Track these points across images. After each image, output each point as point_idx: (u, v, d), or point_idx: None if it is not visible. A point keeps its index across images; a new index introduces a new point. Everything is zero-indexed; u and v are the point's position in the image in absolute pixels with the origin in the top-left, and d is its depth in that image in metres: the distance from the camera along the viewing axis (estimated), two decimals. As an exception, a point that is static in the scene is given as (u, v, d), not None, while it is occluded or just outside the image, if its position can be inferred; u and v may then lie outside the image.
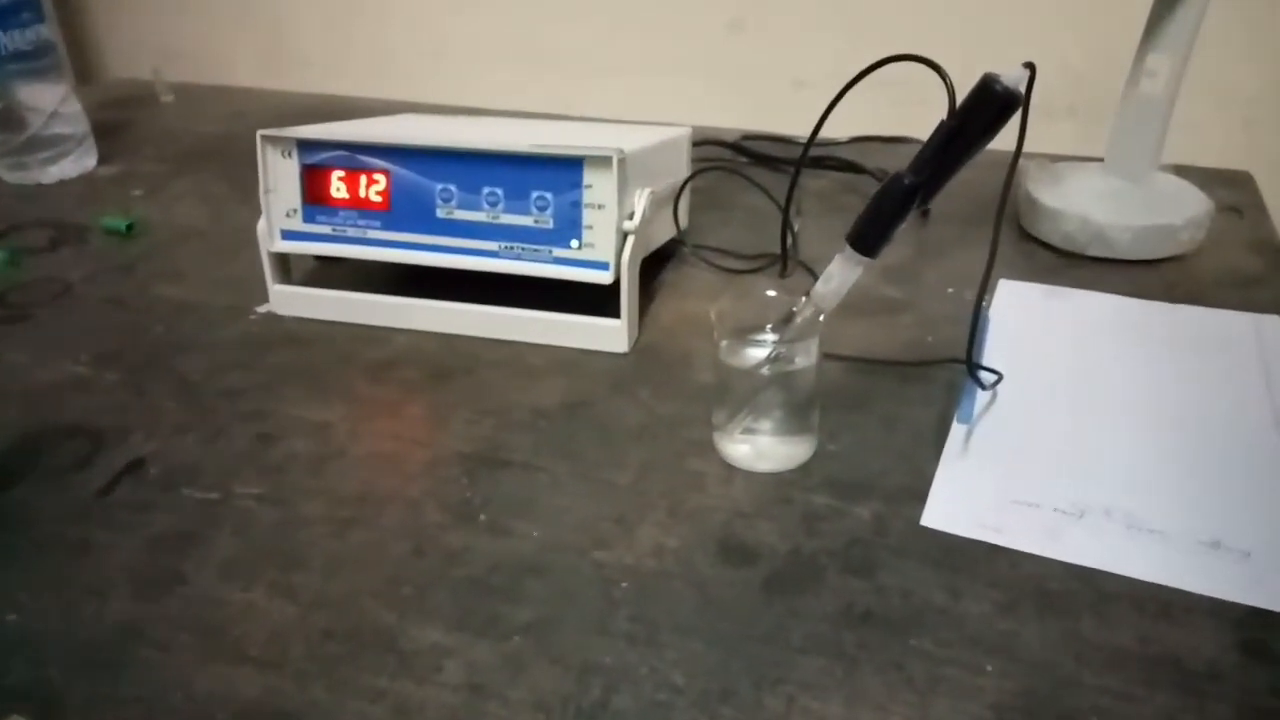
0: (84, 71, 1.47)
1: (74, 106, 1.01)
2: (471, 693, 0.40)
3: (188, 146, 1.12)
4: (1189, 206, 0.76)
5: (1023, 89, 0.46)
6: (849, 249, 0.50)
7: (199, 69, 1.39)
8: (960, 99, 0.47)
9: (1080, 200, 0.77)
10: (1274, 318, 0.66)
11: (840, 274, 0.51)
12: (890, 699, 0.40)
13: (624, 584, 0.46)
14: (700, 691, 0.40)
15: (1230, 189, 0.88)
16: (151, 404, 0.61)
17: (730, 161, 0.98)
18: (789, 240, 0.75)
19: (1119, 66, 0.77)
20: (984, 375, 0.58)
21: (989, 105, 0.46)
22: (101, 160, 1.06)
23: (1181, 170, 0.82)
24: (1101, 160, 0.80)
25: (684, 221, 0.77)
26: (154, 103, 1.29)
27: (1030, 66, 0.46)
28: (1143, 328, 0.67)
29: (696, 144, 0.82)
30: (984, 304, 0.69)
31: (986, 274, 0.54)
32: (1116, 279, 0.73)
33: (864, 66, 0.55)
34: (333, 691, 0.40)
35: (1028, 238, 0.81)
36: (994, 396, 0.59)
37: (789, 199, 0.71)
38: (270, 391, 0.62)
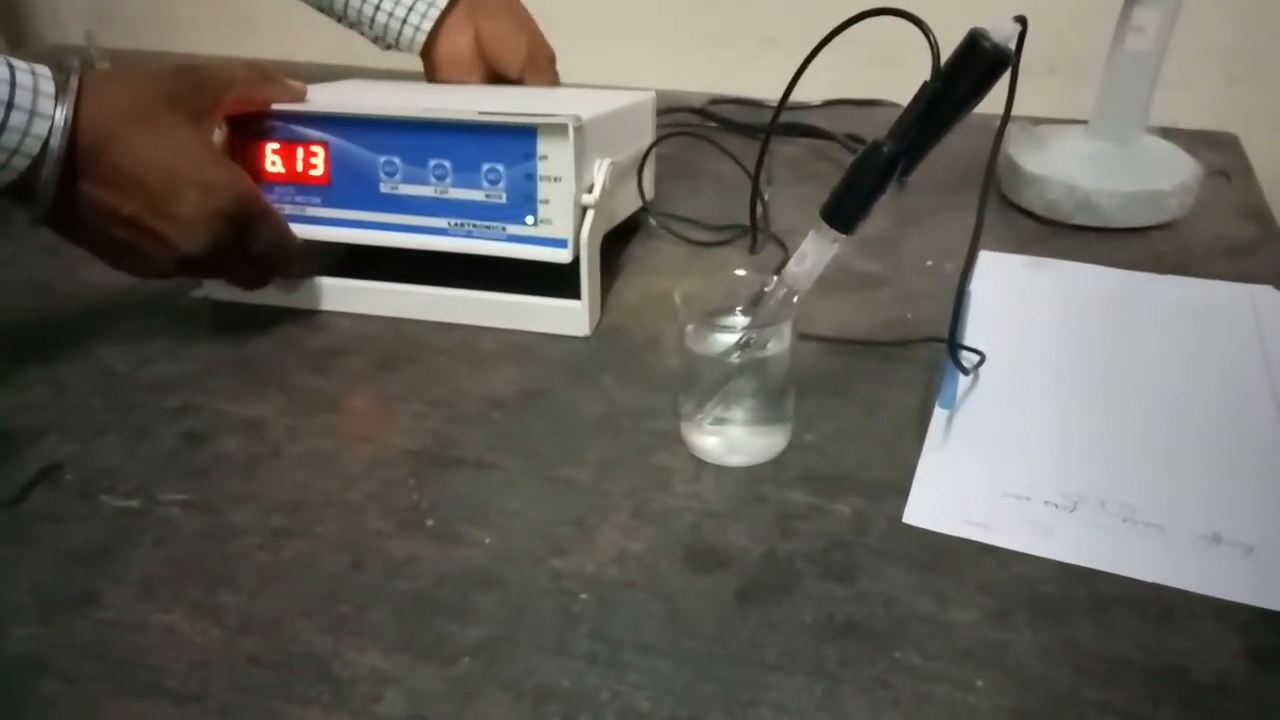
0: (13, 37, 1.39)
1: (-4, 74, 0.94)
2: (414, 725, 0.36)
3: (124, 116, 1.06)
4: (1177, 171, 0.73)
5: (1013, 45, 0.42)
6: (824, 225, 0.46)
7: (136, 33, 1.31)
8: (943, 58, 0.43)
9: (1064, 165, 0.73)
10: (1268, 289, 0.63)
11: (815, 252, 0.46)
12: (874, 721, 0.36)
13: (583, 596, 0.42)
14: (666, 718, 0.36)
15: (1216, 151, 0.85)
16: (71, 400, 0.56)
17: (697, 126, 0.93)
18: (759, 211, 0.71)
19: (1101, 21, 0.73)
20: (967, 358, 0.54)
21: (977, 64, 0.42)
22: (30, 132, 0.99)
23: (1166, 133, 0.79)
24: (1085, 122, 0.77)
25: (649, 192, 0.73)
26: (88, 70, 1.22)
27: (1021, 20, 0.42)
28: (1133, 301, 0.63)
29: (661, 111, 0.77)
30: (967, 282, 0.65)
31: (971, 250, 0.50)
32: (1103, 248, 0.70)
33: (838, 23, 0.51)
34: (259, 728, 0.36)
35: (1009, 205, 0.77)
36: (976, 379, 0.55)
37: (758, 169, 0.67)
38: (200, 384, 0.57)
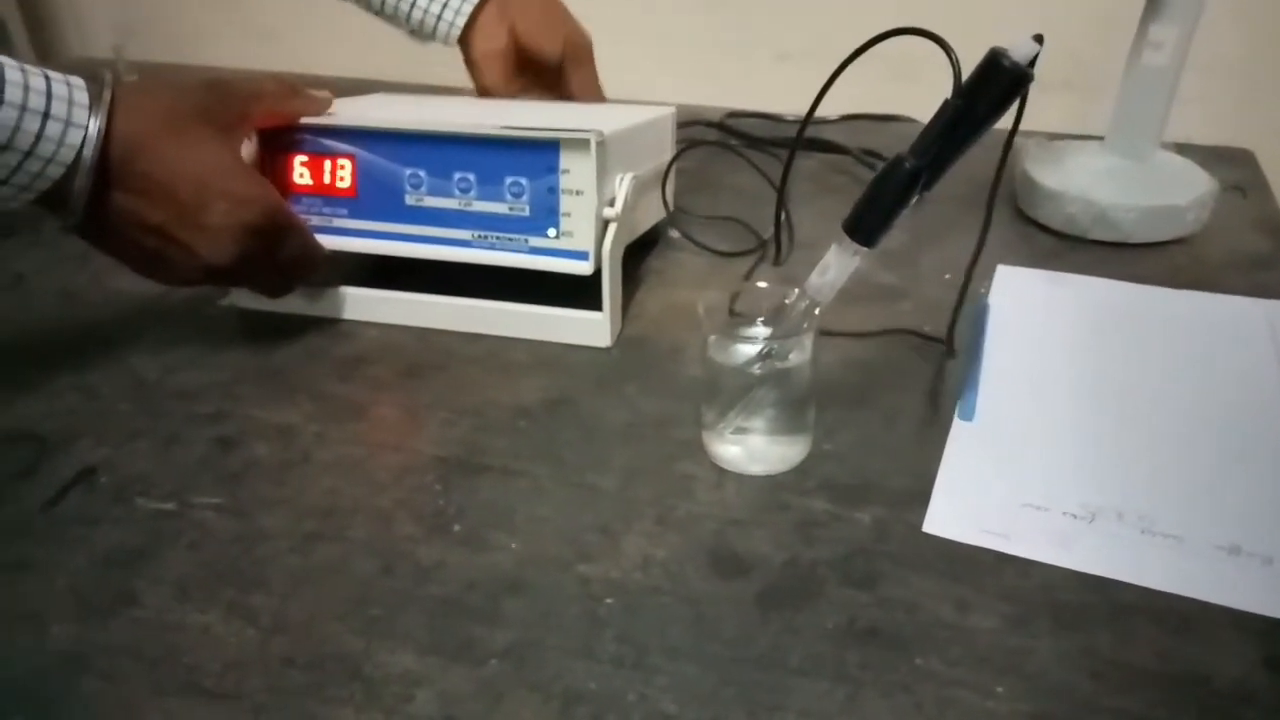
0: (42, 50, 1.41)
1: (26, 87, 0.96)
2: (445, 725, 0.37)
3: (149, 128, 1.07)
4: (1193, 186, 0.73)
5: (1033, 64, 0.42)
6: (846, 238, 0.47)
7: (162, 46, 1.33)
8: (963, 75, 0.44)
9: (1081, 181, 0.74)
10: (1285, 303, 0.64)
11: (837, 265, 0.47)
12: (897, 726, 0.37)
13: (609, 601, 0.43)
14: (692, 720, 0.37)
15: (1232, 167, 0.85)
16: (104, 406, 0.57)
17: (719, 141, 0.94)
18: (782, 222, 0.72)
19: (1116, 37, 0.74)
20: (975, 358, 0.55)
21: (997, 82, 0.43)
22: (58, 143, 1.01)
23: (1181, 148, 0.79)
24: (1102, 138, 0.77)
25: (670, 204, 0.74)
26: (119, 82, 1.24)
27: (1039, 40, 0.43)
28: (1150, 316, 0.64)
29: (679, 124, 0.78)
30: (984, 291, 0.66)
31: (975, 256, 0.51)
32: (1119, 263, 0.71)
33: (851, 37, 0.52)
34: (293, 727, 0.37)
35: (1026, 220, 0.78)
36: (996, 391, 0.56)
37: (783, 181, 0.68)
38: (230, 392, 0.58)
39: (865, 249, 0.47)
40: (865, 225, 0.46)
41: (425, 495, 0.49)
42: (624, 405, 0.56)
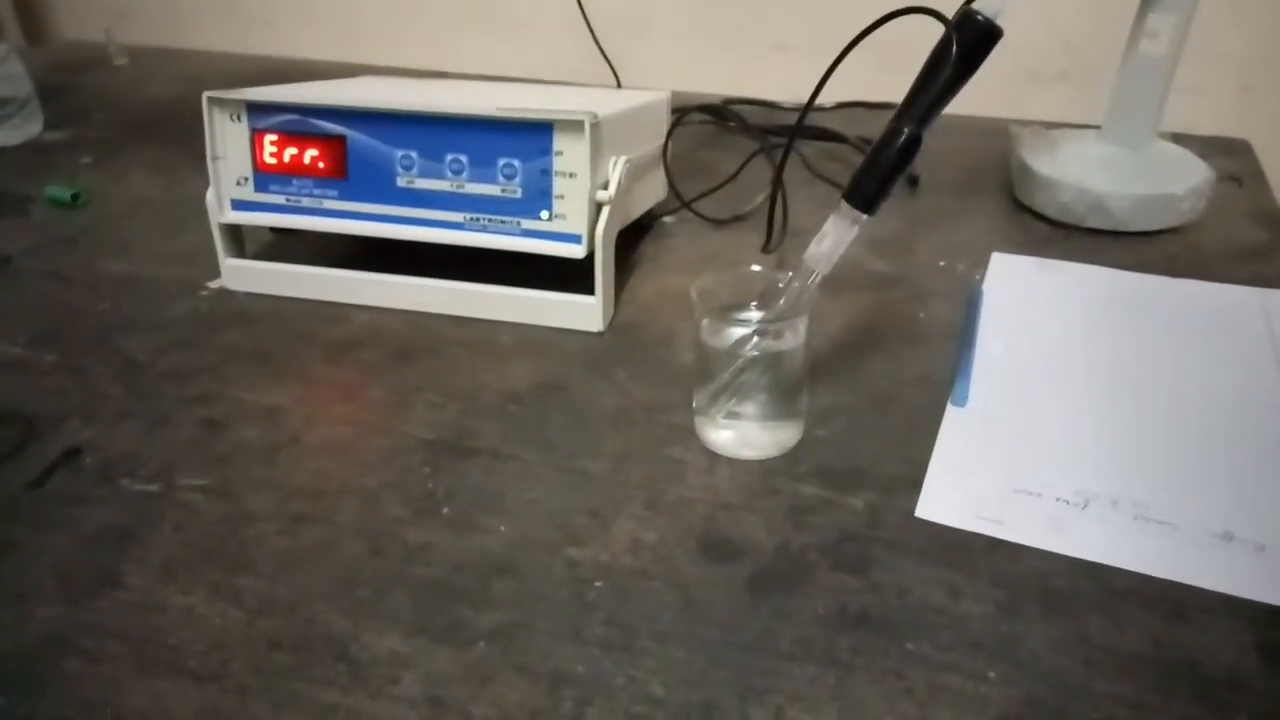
0: (33, 32, 1.40)
1: (16, 68, 0.96)
2: (431, 707, 0.37)
3: (141, 111, 1.07)
4: (1190, 175, 0.73)
5: (1001, 19, 0.43)
6: (845, 205, 0.47)
7: (155, 30, 1.32)
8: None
9: (1077, 169, 0.74)
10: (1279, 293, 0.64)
11: (835, 233, 0.47)
12: (888, 710, 0.37)
13: (598, 584, 0.42)
14: (681, 704, 0.37)
15: (1228, 157, 0.85)
16: (91, 387, 0.57)
17: (714, 120, 0.93)
18: (778, 207, 0.71)
19: (1113, 28, 0.74)
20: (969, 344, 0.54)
21: (972, 40, 0.43)
22: (49, 126, 1.00)
23: (1178, 138, 0.79)
24: (1098, 127, 0.77)
25: (664, 190, 0.73)
26: (106, 65, 1.23)
27: None
28: (1145, 303, 0.64)
29: (674, 110, 0.78)
30: (978, 278, 0.66)
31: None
32: (1115, 251, 0.70)
33: (848, 27, 0.51)
34: (278, 708, 0.37)
35: (1021, 208, 0.77)
36: (990, 377, 0.56)
37: (782, 165, 0.67)
38: (219, 373, 0.57)
39: (864, 216, 0.46)
40: (865, 191, 0.46)
41: (414, 478, 0.49)
42: (615, 390, 0.56)
